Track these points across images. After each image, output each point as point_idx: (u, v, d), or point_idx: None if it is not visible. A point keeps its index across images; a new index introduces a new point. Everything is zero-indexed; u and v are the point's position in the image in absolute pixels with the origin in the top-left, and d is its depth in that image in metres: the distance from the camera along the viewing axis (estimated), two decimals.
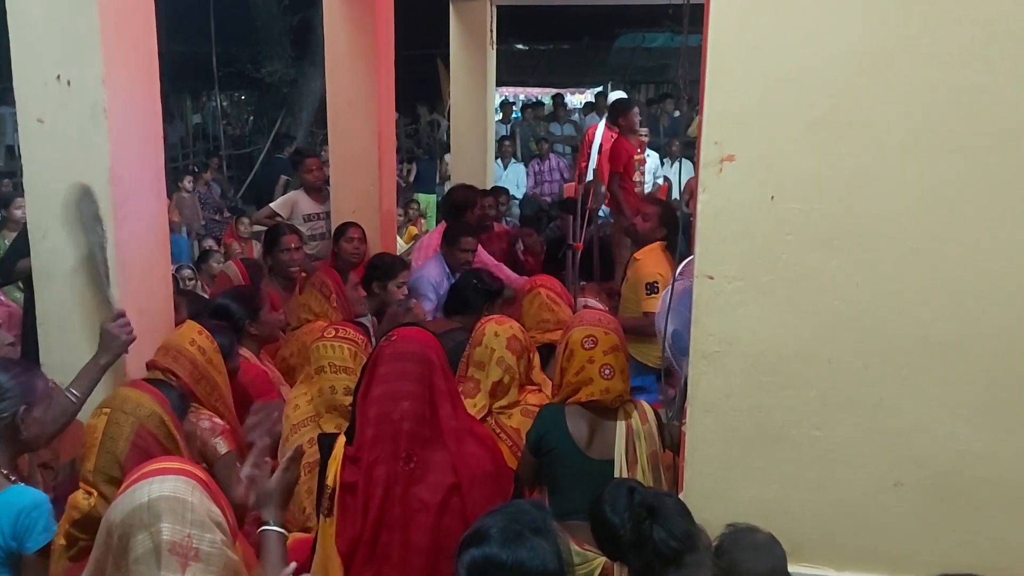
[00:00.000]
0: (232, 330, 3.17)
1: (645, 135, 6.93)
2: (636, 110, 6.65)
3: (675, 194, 7.08)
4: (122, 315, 2.79)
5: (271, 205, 5.97)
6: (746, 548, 1.98)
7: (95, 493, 2.23)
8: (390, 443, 2.22)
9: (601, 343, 2.59)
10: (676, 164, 7.56)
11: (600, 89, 16.75)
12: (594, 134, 6.91)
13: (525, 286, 4.09)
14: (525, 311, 3.96)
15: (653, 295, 4.15)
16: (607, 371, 2.56)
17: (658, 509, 1.91)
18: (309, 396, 2.93)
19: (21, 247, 3.91)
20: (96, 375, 2.71)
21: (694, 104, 3.26)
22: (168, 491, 1.58)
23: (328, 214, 5.54)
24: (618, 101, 7.34)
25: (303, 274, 4.44)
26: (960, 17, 1.97)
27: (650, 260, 4.34)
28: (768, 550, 2.01)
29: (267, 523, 1.95)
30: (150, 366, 2.86)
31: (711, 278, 2.16)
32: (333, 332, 3.01)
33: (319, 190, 5.67)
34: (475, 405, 2.86)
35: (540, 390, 3.11)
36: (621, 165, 6.34)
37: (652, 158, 7.81)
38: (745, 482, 2.22)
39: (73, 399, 2.64)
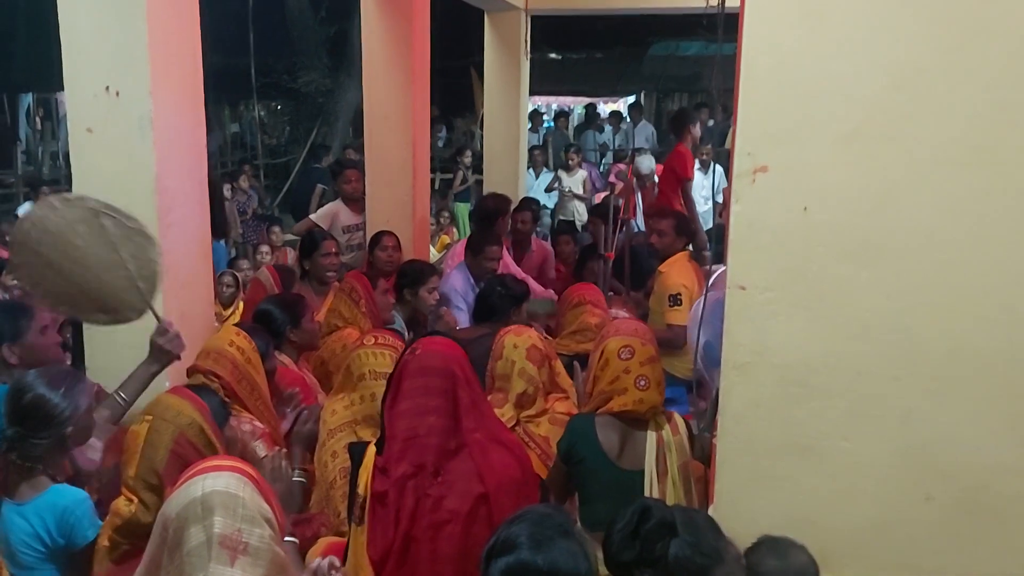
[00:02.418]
0: (271, 334, 3.24)
1: (707, 153, 6.95)
2: (698, 127, 6.72)
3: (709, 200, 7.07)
4: (167, 331, 2.77)
5: (311, 217, 6.08)
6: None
7: (136, 500, 2.28)
8: (417, 457, 2.24)
9: (638, 354, 2.58)
10: (710, 172, 7.50)
11: (633, 99, 16.74)
12: None
13: (571, 297, 4.14)
14: (567, 320, 4.00)
15: (676, 307, 4.19)
16: (642, 382, 2.55)
17: (684, 525, 1.90)
18: (347, 401, 2.95)
19: None
20: (146, 380, 2.76)
21: (728, 114, 3.26)
22: (222, 486, 1.63)
23: (365, 224, 5.63)
24: (683, 113, 7.37)
25: (336, 282, 4.52)
26: (993, 31, 1.97)
27: (674, 272, 4.37)
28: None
29: None
30: (192, 371, 2.93)
31: (743, 288, 2.16)
32: (373, 339, 3.02)
33: (357, 201, 5.73)
34: (503, 416, 2.86)
35: (567, 397, 3.11)
36: (690, 172, 6.39)
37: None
38: (774, 493, 2.22)
39: (121, 403, 2.71)
